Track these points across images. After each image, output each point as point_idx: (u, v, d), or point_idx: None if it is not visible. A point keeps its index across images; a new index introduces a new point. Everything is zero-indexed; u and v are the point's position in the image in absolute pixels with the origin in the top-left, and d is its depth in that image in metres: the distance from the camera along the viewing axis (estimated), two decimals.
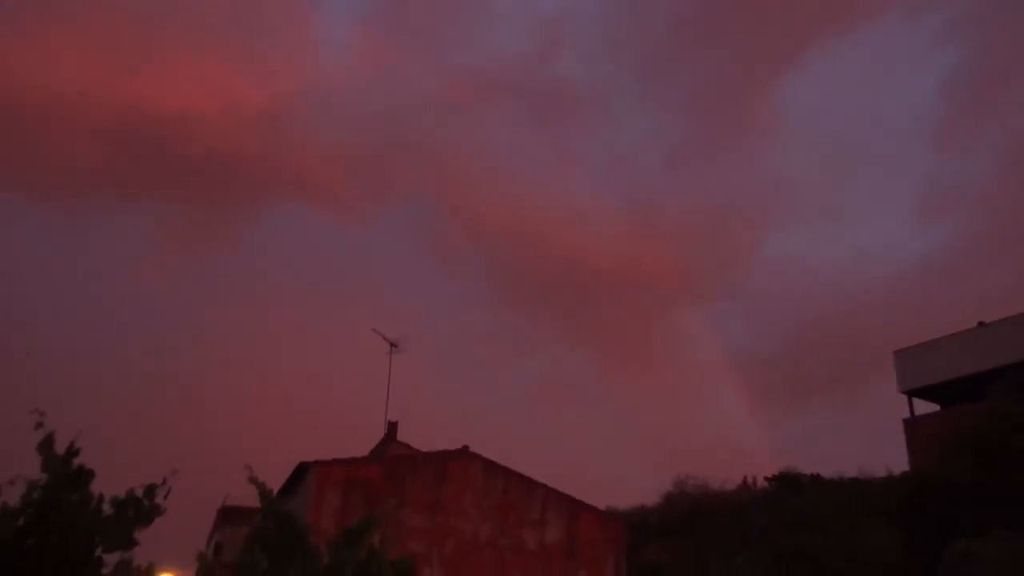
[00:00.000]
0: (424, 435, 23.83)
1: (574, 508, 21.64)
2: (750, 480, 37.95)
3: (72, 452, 6.28)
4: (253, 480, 6.84)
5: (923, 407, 32.37)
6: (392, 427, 23.58)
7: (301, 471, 19.48)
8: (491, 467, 20.94)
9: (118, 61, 41.65)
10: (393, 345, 24.87)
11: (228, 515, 32.62)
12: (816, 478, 33.47)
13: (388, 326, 25.10)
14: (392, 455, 22.00)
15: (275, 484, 18.47)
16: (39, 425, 6.22)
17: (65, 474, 6.15)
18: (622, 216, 57.54)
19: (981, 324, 31.16)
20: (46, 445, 6.23)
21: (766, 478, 36.22)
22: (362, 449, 24.28)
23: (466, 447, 20.97)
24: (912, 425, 30.92)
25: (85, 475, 6.25)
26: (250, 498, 7.19)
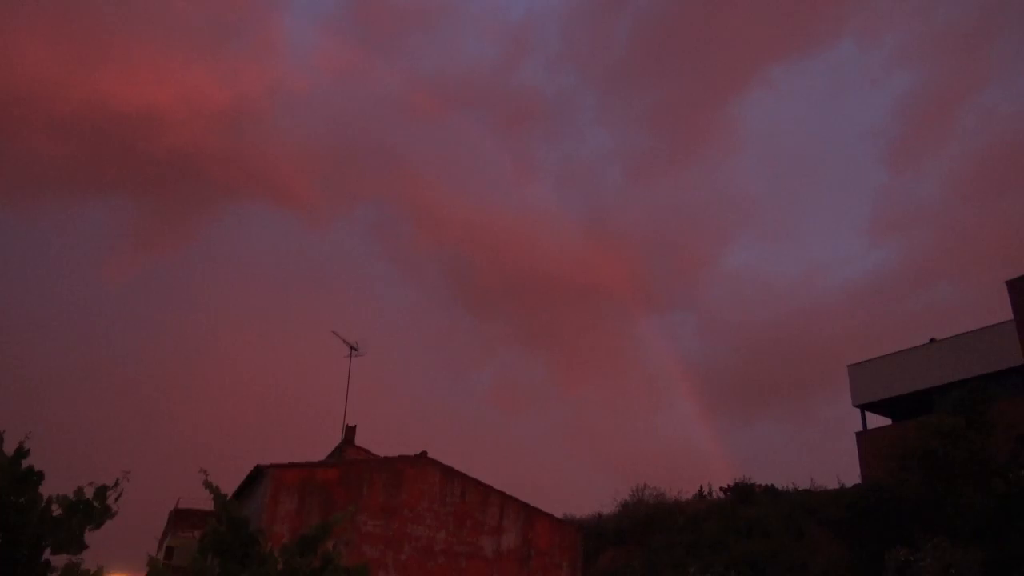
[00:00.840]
0: (382, 440, 23.76)
1: (530, 515, 21.75)
2: (706, 490, 38.45)
3: (21, 453, 6.21)
4: (207, 484, 6.81)
5: (876, 420, 33.12)
6: (350, 431, 23.44)
7: (256, 474, 19.30)
8: (449, 473, 20.96)
9: (80, 54, 41.02)
10: (353, 348, 24.74)
11: (181, 518, 32.17)
12: (770, 489, 34.02)
13: (347, 328, 24.94)
14: (349, 459, 21.88)
15: (230, 487, 18.33)
16: None
17: (13, 475, 6.08)
18: (580, 225, 58.14)
19: (933, 341, 31.97)
20: None
21: (721, 488, 36.73)
22: (320, 453, 24.15)
23: (424, 452, 20.96)
24: (864, 438, 31.58)
25: (34, 476, 6.18)
26: (204, 501, 7.18)
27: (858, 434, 32.05)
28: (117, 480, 6.30)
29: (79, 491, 6.24)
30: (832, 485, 31.64)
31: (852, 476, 31.11)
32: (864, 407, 33.02)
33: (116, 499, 6.18)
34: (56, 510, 6.09)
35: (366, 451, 22.70)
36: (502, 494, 21.52)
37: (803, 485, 33.32)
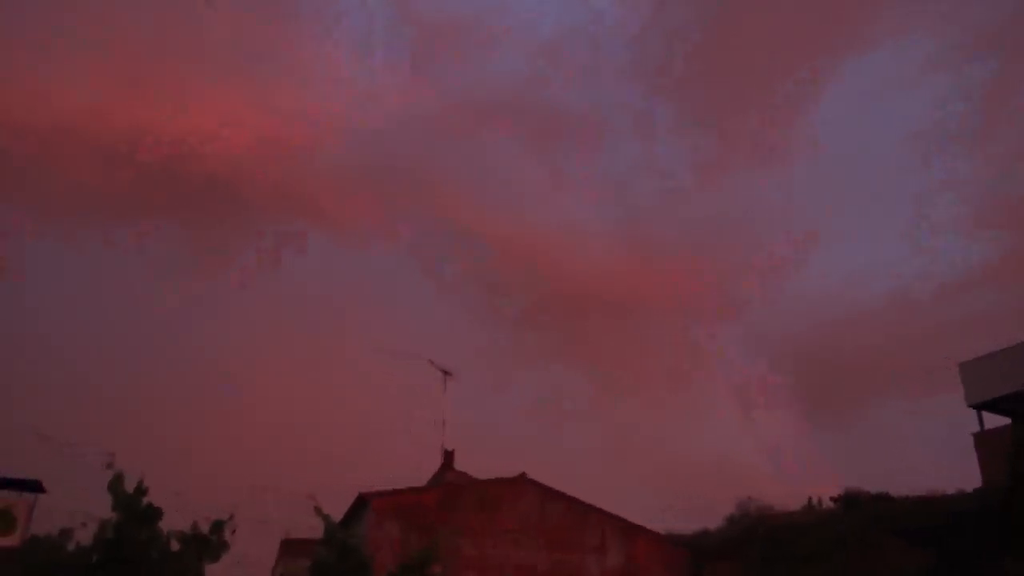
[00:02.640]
0: (482, 463, 23.84)
1: (632, 533, 21.46)
2: (815, 500, 37.13)
3: (141, 490, 6.53)
4: (318, 512, 7.01)
5: (992, 420, 31.36)
6: (448, 455, 23.69)
7: (360, 502, 19.69)
8: (547, 493, 20.90)
9: (122, 85, 42.81)
10: (447, 374, 25.06)
11: (290, 547, 33.02)
12: (882, 496, 32.59)
13: (388, 346, 25.22)
14: (448, 483, 22.10)
15: (334, 516, 18.71)
16: (109, 465, 6.47)
17: (134, 512, 6.39)
18: (618, 238, 57.16)
19: None
20: (116, 484, 6.48)
21: (831, 498, 35.39)
22: (420, 479, 24.44)
23: (523, 474, 20.98)
24: (982, 439, 29.91)
25: (153, 513, 6.48)
26: (312, 530, 7.37)
27: (976, 435, 30.38)
28: (231, 514, 6.54)
29: (195, 526, 6.52)
30: (949, 490, 30.09)
31: (966, 481, 29.50)
32: (979, 406, 31.32)
33: (232, 533, 6.42)
34: (174, 545, 6.38)
35: (466, 475, 22.87)
36: (602, 512, 21.32)
37: (917, 492, 31.81)
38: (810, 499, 37.39)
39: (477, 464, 22.97)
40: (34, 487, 13.49)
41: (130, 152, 41.85)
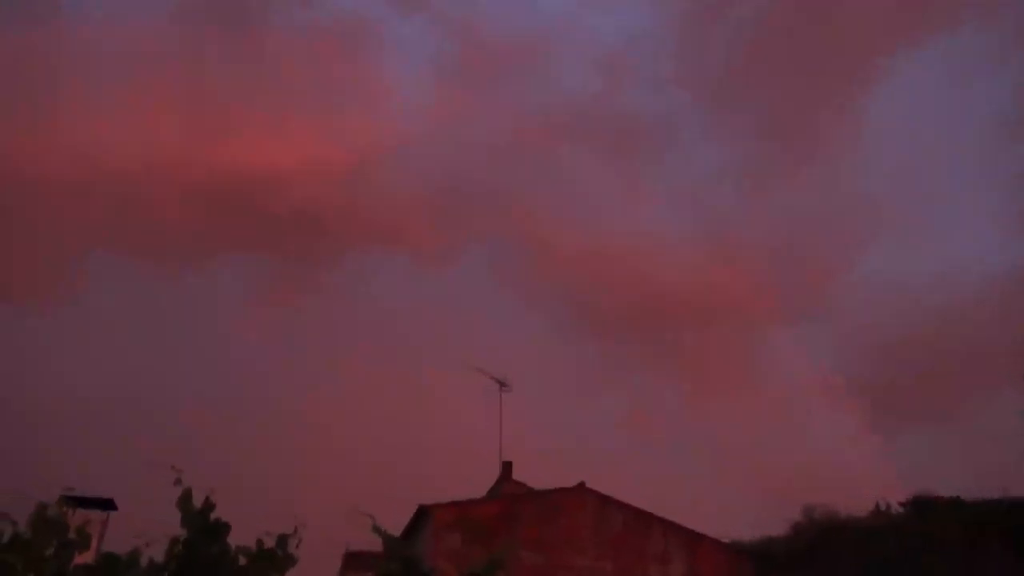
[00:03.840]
0: (538, 473, 23.84)
1: (695, 541, 21.17)
2: (883, 505, 36.13)
3: (208, 507, 6.66)
4: (376, 530, 7.06)
5: None
6: (506, 466, 23.72)
7: (420, 514, 19.85)
8: (607, 502, 20.77)
9: (205, 125, 44.56)
10: (502, 384, 25.07)
11: (352, 561, 33.41)
12: (955, 501, 31.55)
13: (486, 366, 25.33)
14: (507, 494, 22.14)
15: (396, 528, 18.87)
16: (178, 482, 6.62)
17: (203, 527, 6.52)
18: (696, 243, 56.51)
19: None
20: (185, 501, 6.61)
21: (900, 503, 34.40)
22: (479, 490, 24.51)
23: (582, 483, 20.89)
24: None
25: (222, 528, 6.60)
26: (374, 542, 7.42)
27: None
28: (296, 528, 6.62)
29: (259, 542, 6.61)
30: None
31: None
32: None
33: (297, 546, 6.51)
34: (242, 560, 6.49)
35: (524, 485, 22.88)
36: (664, 521, 21.09)
37: (993, 495, 30.71)
38: (877, 504, 36.44)
39: (539, 476, 23.01)
40: (107, 505, 13.94)
41: (213, 190, 43.59)
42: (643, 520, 20.91)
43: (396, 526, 20.08)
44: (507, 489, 22.88)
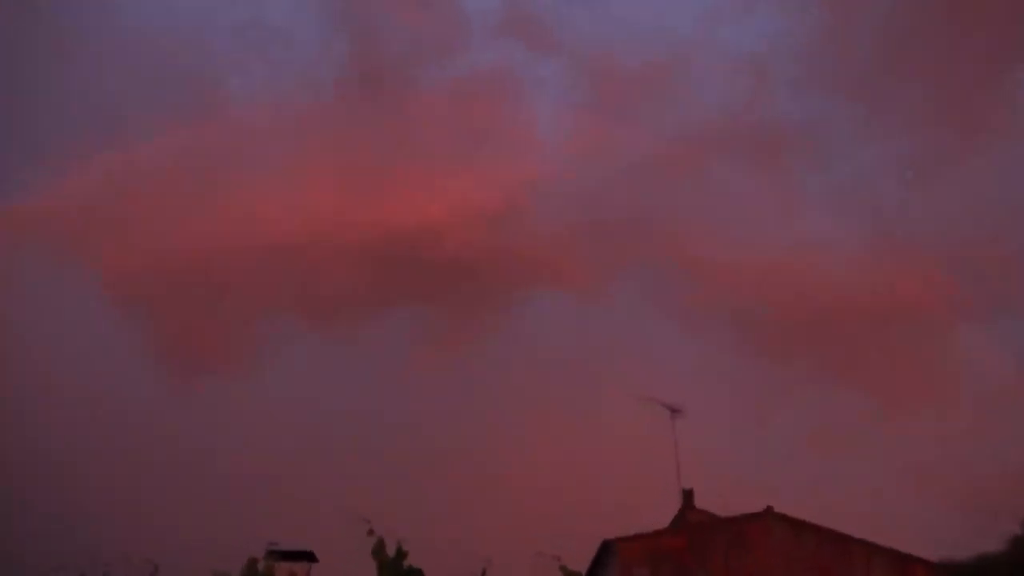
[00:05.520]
0: (722, 499, 23.02)
1: (903, 563, 19.64)
2: None
3: (401, 554, 6.84)
4: (564, 571, 6.99)
5: None
6: (687, 495, 23.03)
7: (605, 549, 19.60)
8: (800, 527, 19.71)
9: (362, 187, 47.39)
10: (674, 411, 24.54)
11: None
12: None
13: (655, 394, 24.94)
14: (692, 523, 21.47)
15: (580, 564, 18.79)
16: (370, 532, 6.84)
17: (398, 574, 6.70)
18: (863, 246, 53.15)
19: None
20: (379, 550, 6.83)
21: None
22: (659, 521, 23.94)
23: (769, 507, 19.97)
24: None
25: (415, 574, 6.76)
26: None
27: None
28: (484, 569, 6.67)
29: None
30: None
31: None
32: None
33: None
34: None
35: (708, 513, 22.13)
36: (864, 543, 19.73)
37: None
38: None
39: (722, 503, 22.23)
40: (309, 557, 14.72)
41: (374, 249, 46.34)
42: (841, 544, 19.66)
43: (578, 562, 19.94)
44: (691, 518, 22.20)
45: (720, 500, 22.69)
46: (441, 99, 50.03)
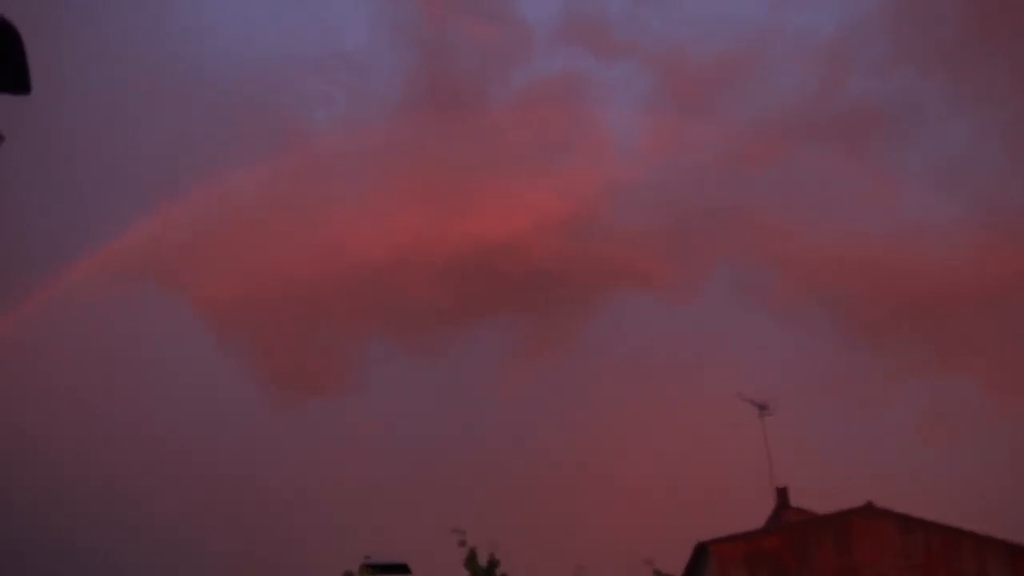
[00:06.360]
0: (818, 497, 22.45)
1: (1017, 556, 18.75)
2: None
3: (493, 563, 7.04)
4: (657, 573, 7.09)
5: None
6: (782, 493, 22.53)
7: (700, 551, 19.37)
8: (905, 521, 19.05)
9: (445, 205, 48.24)
10: (762, 408, 24.05)
11: None
12: None
13: (748, 391, 24.48)
14: (789, 522, 21.00)
15: (675, 568, 18.65)
16: (462, 543, 7.07)
17: None
18: (966, 223, 50.67)
19: None
20: (471, 560, 7.05)
21: None
22: (753, 521, 23.51)
23: (870, 502, 19.37)
24: None
25: None
26: None
27: None
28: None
29: None
30: None
31: None
32: None
33: None
34: None
35: (804, 511, 21.61)
36: (977, 536, 18.91)
37: None
38: None
39: (819, 501, 21.69)
40: (402, 570, 15.14)
41: (458, 265, 47.31)
42: (951, 537, 18.88)
43: (672, 565, 19.76)
44: (787, 517, 21.70)
45: (817, 498, 22.16)
46: (513, 111, 50.56)
